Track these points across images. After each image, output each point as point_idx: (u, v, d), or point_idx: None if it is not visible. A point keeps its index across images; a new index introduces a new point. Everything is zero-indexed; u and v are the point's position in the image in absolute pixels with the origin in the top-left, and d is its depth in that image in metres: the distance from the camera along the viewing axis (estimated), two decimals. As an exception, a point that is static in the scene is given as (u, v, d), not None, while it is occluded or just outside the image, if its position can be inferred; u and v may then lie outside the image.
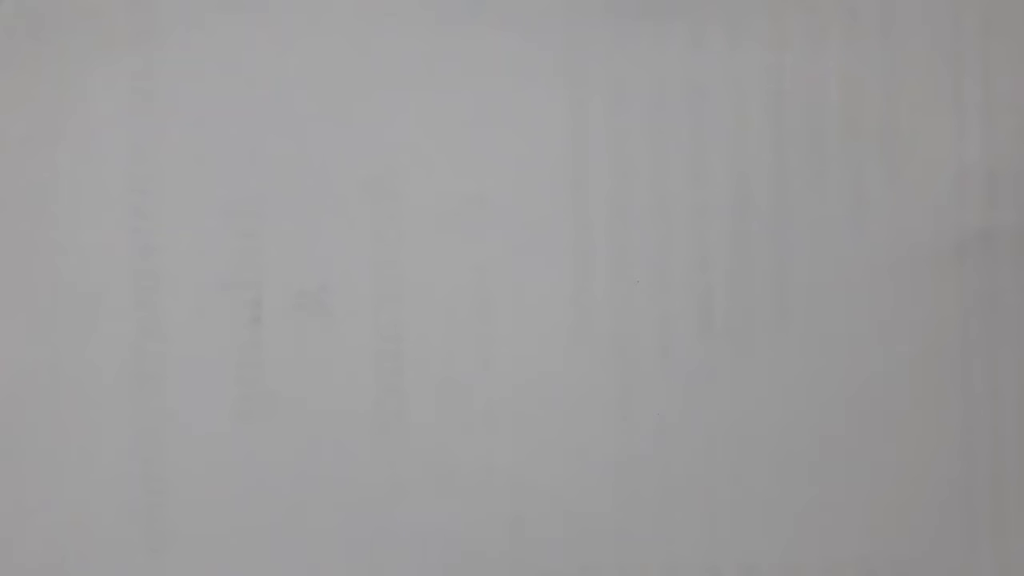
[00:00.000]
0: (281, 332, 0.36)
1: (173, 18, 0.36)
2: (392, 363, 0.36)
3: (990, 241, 0.37)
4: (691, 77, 0.37)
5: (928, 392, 0.37)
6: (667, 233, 0.37)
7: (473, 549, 0.36)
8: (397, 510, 0.36)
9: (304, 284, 0.36)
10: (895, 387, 0.37)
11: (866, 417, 0.37)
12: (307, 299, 0.36)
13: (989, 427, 0.37)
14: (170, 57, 0.36)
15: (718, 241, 0.37)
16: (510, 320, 0.37)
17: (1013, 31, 0.38)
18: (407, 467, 0.36)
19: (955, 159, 0.37)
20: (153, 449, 0.36)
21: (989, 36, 0.38)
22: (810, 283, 0.37)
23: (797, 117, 0.37)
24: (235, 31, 0.36)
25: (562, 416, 0.37)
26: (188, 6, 0.36)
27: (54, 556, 0.36)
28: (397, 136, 0.37)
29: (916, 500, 0.37)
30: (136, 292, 0.36)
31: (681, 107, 0.37)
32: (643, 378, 0.37)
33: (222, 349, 0.36)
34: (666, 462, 0.37)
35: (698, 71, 0.37)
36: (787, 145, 0.37)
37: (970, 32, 0.38)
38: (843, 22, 0.37)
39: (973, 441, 0.37)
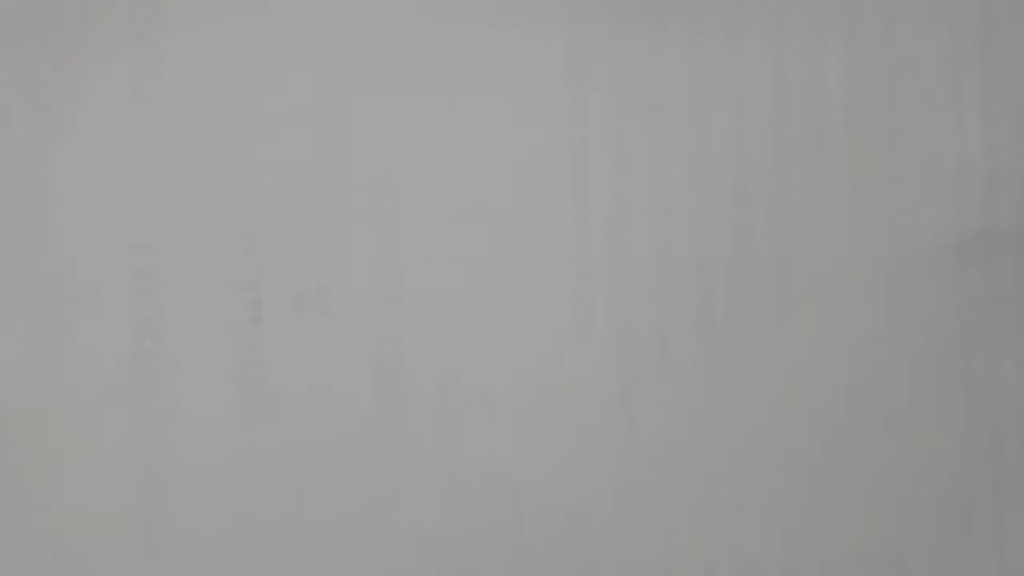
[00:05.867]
0: (281, 332, 0.36)
1: (173, 18, 0.36)
2: (392, 363, 0.36)
3: (990, 241, 0.37)
4: (691, 77, 0.37)
5: (928, 391, 0.37)
6: (667, 233, 0.37)
7: (473, 549, 0.36)
8: (397, 510, 0.36)
9: (304, 284, 0.36)
10: (895, 386, 0.37)
11: (866, 416, 0.37)
12: (307, 299, 0.36)
13: (989, 427, 0.37)
14: (170, 57, 0.36)
15: (718, 241, 0.37)
16: (510, 320, 0.37)
17: (1013, 31, 0.38)
18: (407, 467, 0.36)
19: (955, 159, 0.37)
20: (153, 449, 0.36)
21: (989, 36, 0.38)
22: (810, 283, 0.37)
23: (797, 117, 0.37)
24: (235, 31, 0.36)
25: (562, 416, 0.37)
26: (188, 6, 0.36)
27: (54, 556, 0.36)
28: (397, 136, 0.37)
29: (916, 499, 0.37)
30: (136, 292, 0.36)
31: (681, 107, 0.37)
32: (643, 378, 0.37)
33: (222, 349, 0.36)
34: (666, 462, 0.37)
35: (698, 71, 0.37)
36: (787, 145, 0.37)
37: (970, 32, 0.38)
38: (843, 22, 0.37)
39: (973, 441, 0.37)
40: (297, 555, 0.36)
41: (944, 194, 0.37)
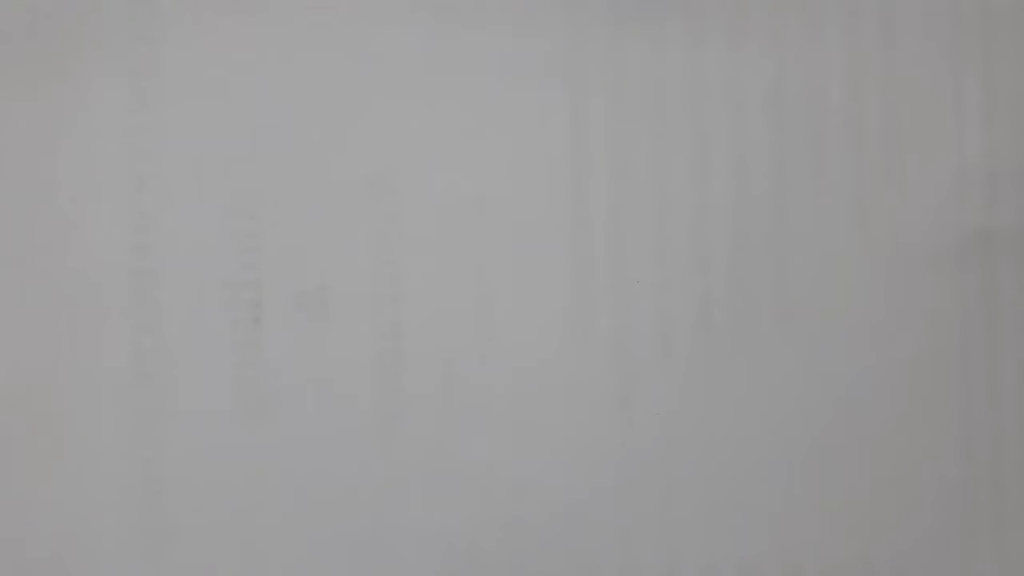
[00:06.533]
0: (281, 332, 0.36)
1: (173, 18, 0.36)
2: (392, 363, 0.36)
3: (990, 241, 0.37)
4: (691, 77, 0.37)
5: (928, 392, 0.37)
6: (667, 233, 0.37)
7: (473, 549, 0.36)
8: (397, 510, 0.36)
9: (304, 284, 0.36)
10: (895, 387, 0.37)
11: (866, 416, 0.37)
12: (307, 299, 0.36)
13: (989, 427, 0.37)
14: (170, 57, 0.36)
15: (718, 241, 0.37)
16: (510, 320, 0.37)
17: (1013, 31, 0.38)
18: (407, 467, 0.36)
19: (955, 159, 0.37)
20: (153, 449, 0.36)
21: (989, 36, 0.38)
22: (810, 283, 0.37)
23: (797, 117, 0.37)
24: (235, 31, 0.36)
25: (562, 416, 0.37)
26: (188, 6, 0.36)
27: (54, 556, 0.36)
28: (397, 136, 0.37)
29: (916, 500, 0.37)
30: (136, 292, 0.36)
31: (681, 107, 0.37)
32: (643, 377, 0.37)
33: (222, 349, 0.36)
34: (666, 462, 0.37)
35: (698, 71, 0.37)
36: (787, 145, 0.37)
37: (970, 32, 0.38)
38: (843, 22, 0.37)
39: (973, 441, 0.37)
40: (297, 554, 0.36)
41: (944, 194, 0.37)
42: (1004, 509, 0.37)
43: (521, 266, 0.37)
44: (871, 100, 0.37)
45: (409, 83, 0.37)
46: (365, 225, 0.36)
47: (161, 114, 0.36)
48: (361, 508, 0.36)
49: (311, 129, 0.36)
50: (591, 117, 0.37)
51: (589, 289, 0.37)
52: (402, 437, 0.36)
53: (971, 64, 0.38)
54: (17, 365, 0.36)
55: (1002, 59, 0.38)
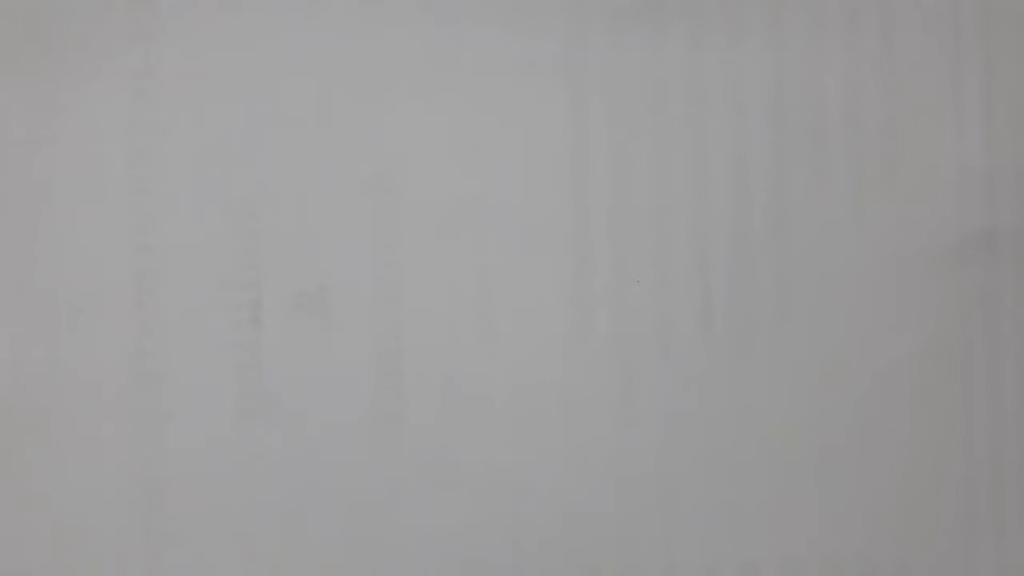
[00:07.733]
0: (281, 332, 0.36)
1: (173, 18, 0.36)
2: (392, 363, 0.36)
3: (990, 241, 0.37)
4: (691, 77, 0.37)
5: (928, 392, 0.37)
6: (667, 233, 0.37)
7: (473, 549, 0.36)
8: (397, 510, 0.36)
9: (304, 284, 0.36)
10: (896, 387, 0.37)
11: (866, 417, 0.37)
12: (307, 299, 0.36)
13: (989, 427, 0.37)
14: (170, 57, 0.36)
15: (718, 241, 0.37)
16: (510, 320, 0.37)
17: (1013, 31, 0.38)
18: (407, 467, 0.36)
19: (955, 159, 0.37)
20: (153, 449, 0.36)
21: (989, 36, 0.38)
22: (810, 283, 0.37)
23: (797, 117, 0.37)
24: (235, 30, 0.37)
25: (562, 416, 0.37)
26: (188, 6, 0.36)
27: (54, 556, 0.36)
28: (397, 136, 0.37)
29: (916, 500, 0.37)
30: (136, 292, 0.36)
31: (681, 107, 0.37)
32: (643, 378, 0.37)
33: (222, 349, 0.36)
34: (666, 462, 0.37)
35: (698, 71, 0.37)
36: (787, 145, 0.37)
37: (970, 32, 0.38)
38: (843, 22, 0.37)
39: (973, 441, 0.37)
40: (297, 555, 0.36)
41: (944, 194, 0.37)
42: (1004, 509, 0.37)
43: (521, 266, 0.37)
44: (871, 100, 0.37)
45: (409, 83, 0.37)
46: (365, 225, 0.36)
47: (161, 114, 0.36)
48: (361, 508, 0.36)
49: (311, 129, 0.36)
50: (591, 117, 0.37)
51: (589, 289, 0.37)
52: (402, 437, 0.36)
53: (971, 64, 0.38)
54: (17, 365, 0.36)
55: (1002, 59, 0.38)
